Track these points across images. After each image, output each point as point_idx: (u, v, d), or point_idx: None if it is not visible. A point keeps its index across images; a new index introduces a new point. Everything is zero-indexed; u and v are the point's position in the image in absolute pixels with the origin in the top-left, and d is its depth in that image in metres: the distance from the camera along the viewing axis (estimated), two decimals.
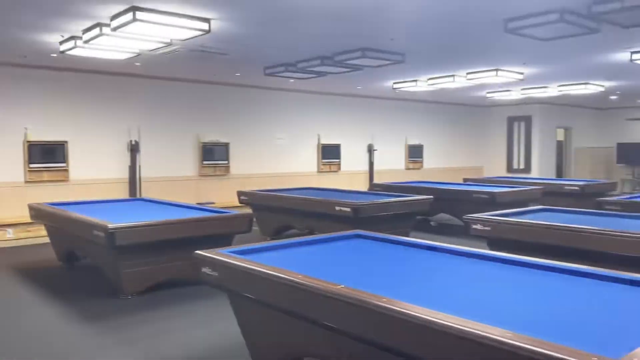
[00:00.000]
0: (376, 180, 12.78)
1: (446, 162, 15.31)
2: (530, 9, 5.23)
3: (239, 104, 11.17)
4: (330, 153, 12.59)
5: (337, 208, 7.07)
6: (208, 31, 5.77)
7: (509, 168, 15.83)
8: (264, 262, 3.19)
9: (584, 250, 4.57)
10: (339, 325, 2.62)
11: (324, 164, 12.47)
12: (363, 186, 12.88)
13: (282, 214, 8.09)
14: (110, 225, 4.92)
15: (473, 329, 2.03)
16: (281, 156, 11.86)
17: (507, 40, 6.51)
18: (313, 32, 6.41)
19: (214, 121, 10.77)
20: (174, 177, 10.20)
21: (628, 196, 8.14)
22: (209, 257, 3.41)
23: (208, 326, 4.48)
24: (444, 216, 9.90)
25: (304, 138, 12.26)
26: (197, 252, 3.55)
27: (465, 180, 12.43)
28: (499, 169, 15.89)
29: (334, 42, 6.97)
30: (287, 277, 2.86)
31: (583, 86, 11.07)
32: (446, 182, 11.60)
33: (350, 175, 13.04)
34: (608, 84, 11.17)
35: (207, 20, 5.63)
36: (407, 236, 7.48)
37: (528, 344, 1.86)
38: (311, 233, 6.98)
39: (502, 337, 1.94)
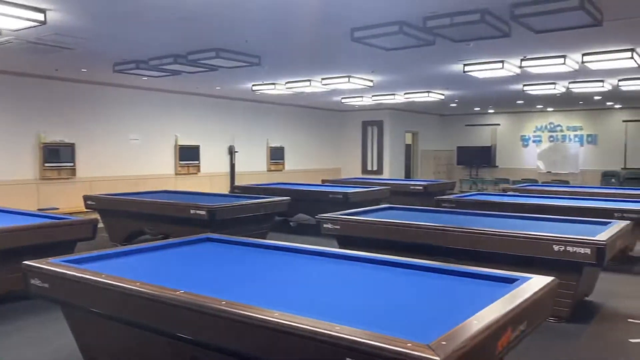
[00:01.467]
0: (238, 183, 12.71)
1: (307, 163, 15.72)
2: (373, 20, 5.57)
3: (87, 101, 10.40)
4: (188, 154, 12.25)
5: (192, 211, 6.90)
6: (44, 22, 5.30)
7: (364, 169, 16.70)
8: (101, 271, 3.01)
9: (421, 244, 4.98)
10: (181, 332, 2.56)
11: (181, 166, 12.10)
12: (224, 189, 12.73)
13: (133, 219, 7.69)
14: None
15: (300, 324, 2.11)
16: (135, 158, 11.27)
17: (355, 49, 6.85)
18: (164, 29, 6.19)
19: (57, 120, 9.90)
20: (9, 181, 9.20)
21: (461, 195, 9.02)
22: (37, 267, 3.13)
23: (42, 343, 4.10)
24: (303, 217, 10.14)
25: (161, 139, 11.79)
26: (25, 262, 3.24)
27: (323, 181, 12.87)
28: (355, 171, 16.70)
29: (187, 40, 6.80)
30: (122, 285, 2.73)
31: (426, 94, 12.06)
32: (305, 184, 11.90)
33: (211, 177, 12.81)
34: (447, 92, 12.29)
35: (42, 10, 5.17)
36: (266, 237, 7.63)
37: (349, 335, 1.97)
38: (165, 238, 6.73)
39: (327, 330, 2.03)
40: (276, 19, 5.64)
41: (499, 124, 18.02)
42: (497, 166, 17.90)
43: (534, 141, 17.34)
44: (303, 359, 2.11)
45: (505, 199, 8.13)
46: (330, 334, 2.02)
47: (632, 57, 7.19)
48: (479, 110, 17.60)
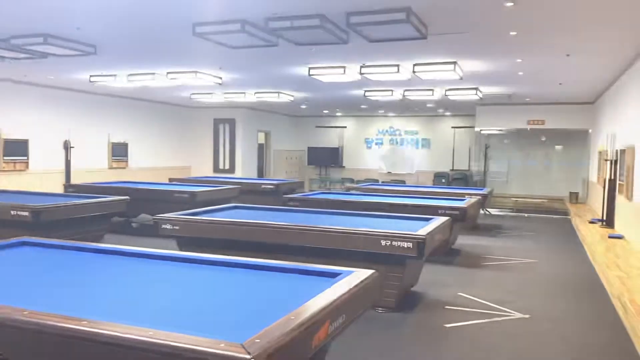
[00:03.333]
0: (76, 181, 11.73)
1: (154, 161, 15.02)
2: (215, 17, 5.49)
3: None
4: (15, 149, 10.98)
5: (14, 212, 6.24)
6: None
7: (216, 168, 16.44)
8: None
9: (262, 243, 5.02)
10: None
11: (6, 162, 10.81)
12: (59, 187, 11.65)
13: None
14: None
15: (111, 331, 2.00)
16: None
17: (201, 44, 6.69)
18: None
19: None
20: None
21: (307, 193, 9.31)
22: None
23: None
24: (146, 217, 9.67)
25: None
26: None
27: (170, 180, 12.41)
28: (206, 169, 16.36)
29: (9, 22, 6.09)
30: None
31: (276, 95, 12.23)
32: (149, 182, 11.38)
33: (42, 175, 11.63)
34: (296, 94, 12.59)
35: None
36: (101, 239, 7.14)
37: (160, 339, 1.91)
38: None
39: (138, 335, 1.95)
40: (111, 6, 5.29)
41: (345, 127, 18.92)
42: (344, 166, 18.78)
43: (376, 143, 18.50)
44: None
45: (347, 198, 8.56)
46: (141, 340, 1.93)
47: (454, 70, 8.00)
48: (328, 113, 18.32)
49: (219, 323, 2.27)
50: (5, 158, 10.80)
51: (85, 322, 2.08)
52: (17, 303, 2.29)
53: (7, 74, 10.12)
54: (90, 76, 10.04)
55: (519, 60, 7.94)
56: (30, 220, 6.07)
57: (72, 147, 12.30)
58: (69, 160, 12.28)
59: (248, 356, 1.80)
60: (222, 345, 1.87)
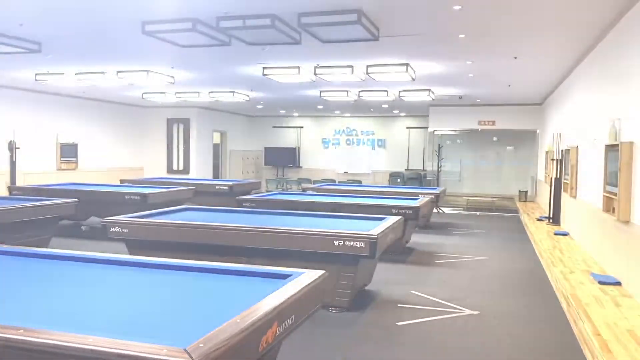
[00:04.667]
0: (21, 183, 11.29)
1: (106, 162, 14.61)
2: (166, 15, 5.39)
3: None
4: None
5: None
6: None
7: (169, 169, 16.15)
8: None
9: (213, 245, 4.96)
10: None
11: None
12: (2, 190, 11.17)
13: None
14: None
15: (49, 339, 1.93)
16: None
17: (151, 43, 6.55)
18: None
19: None
20: None
21: (262, 194, 9.26)
22: None
23: None
24: (96, 220, 9.40)
25: None
26: None
27: (122, 181, 12.10)
28: (159, 170, 16.04)
29: None
30: None
31: (231, 94, 12.11)
32: (99, 184, 11.08)
33: None
34: (252, 94, 12.50)
35: None
36: (48, 243, 6.90)
37: (102, 346, 1.85)
38: None
39: (78, 343, 1.88)
40: (56, 1, 5.11)
41: (302, 127, 18.93)
42: (301, 167, 18.79)
43: (333, 144, 18.60)
44: None
45: (303, 198, 8.55)
46: (81, 347, 1.87)
47: (407, 72, 8.12)
48: (285, 113, 18.28)
49: (162, 328, 2.22)
50: None
51: (21, 330, 1.99)
52: None
53: None
54: (36, 74, 9.67)
55: (469, 62, 8.14)
56: None
57: (18, 147, 11.82)
58: (14, 162, 11.79)
59: None
60: (165, 351, 1.83)
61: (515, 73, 9.06)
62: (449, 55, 7.63)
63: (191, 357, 1.79)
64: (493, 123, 14.38)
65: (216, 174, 17.47)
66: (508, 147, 16.26)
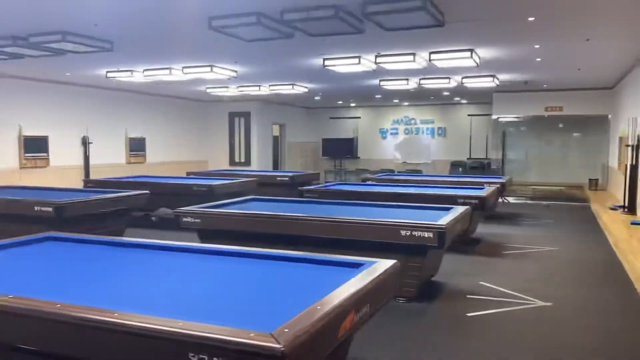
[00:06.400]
0: (94, 176, 11.88)
1: (171, 156, 15.15)
2: (231, 10, 5.50)
3: None
4: (35, 146, 11.16)
5: (37, 208, 6.33)
6: None
7: (232, 161, 16.53)
8: None
9: (282, 235, 5.05)
10: (14, 340, 2.34)
11: (27, 159, 11.00)
12: (78, 183, 11.81)
13: None
14: None
15: (140, 322, 2.03)
16: None
17: (216, 38, 6.71)
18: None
19: None
20: None
21: (323, 185, 9.32)
22: None
23: None
24: (166, 211, 9.77)
25: (1, 128, 10.60)
26: None
27: (188, 173, 12.49)
28: (222, 163, 16.45)
29: (28, 21, 6.17)
30: None
31: (290, 87, 12.23)
32: (168, 177, 11.48)
33: (62, 170, 11.81)
34: (310, 85, 12.57)
35: None
36: (122, 233, 7.23)
37: (191, 330, 1.94)
38: None
39: (169, 326, 1.98)
40: (127, 1, 5.33)
41: (359, 117, 18.87)
42: (358, 157, 18.75)
43: (391, 133, 18.43)
44: (146, 359, 2.03)
45: (364, 188, 8.55)
46: (172, 331, 1.96)
47: (471, 57, 7.92)
48: (342, 104, 18.27)
49: (244, 314, 2.29)
50: (26, 155, 10.97)
51: (116, 314, 2.11)
52: (49, 296, 2.34)
53: (25, 72, 10.26)
54: (107, 72, 10.14)
55: (537, 46, 7.84)
56: (54, 216, 6.16)
57: (91, 142, 12.45)
58: (88, 156, 12.44)
59: (278, 345, 1.81)
60: (252, 335, 1.89)
61: (586, 56, 8.65)
62: (515, 39, 7.37)
63: (277, 342, 1.84)
64: (561, 109, 13.81)
65: (276, 166, 17.73)
66: (575, 134, 15.58)
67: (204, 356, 1.90)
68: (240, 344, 1.86)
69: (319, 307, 2.19)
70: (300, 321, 2.03)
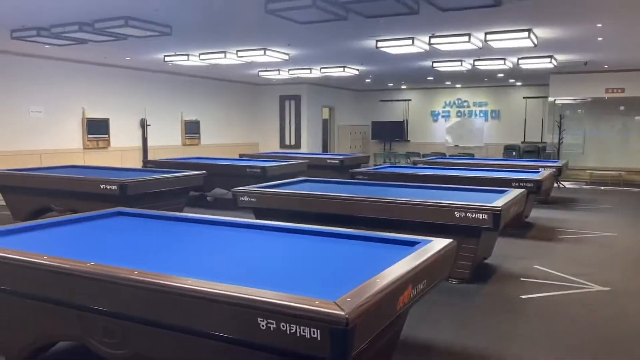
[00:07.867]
0: (151, 157, 12.33)
1: (224, 138, 15.51)
2: None
3: None
4: (97, 128, 11.69)
5: (103, 186, 6.67)
6: None
7: (282, 144, 16.75)
8: (4, 246, 2.89)
9: (335, 214, 5.15)
10: (92, 304, 2.54)
11: (90, 140, 11.54)
12: (137, 163, 12.31)
13: (38, 195, 7.31)
14: None
15: (214, 289, 2.18)
16: (38, 131, 10.61)
17: (270, 21, 6.82)
18: None
19: None
20: None
21: (374, 167, 9.35)
22: None
23: None
24: (220, 191, 10.07)
25: (66, 111, 11.16)
26: None
27: (241, 155, 12.78)
28: (273, 145, 16.70)
29: (92, 7, 6.45)
30: (28, 259, 2.64)
31: (341, 69, 12.24)
32: (222, 158, 11.78)
33: (122, 151, 12.33)
34: (361, 68, 12.54)
35: None
36: (181, 212, 7.53)
37: (260, 297, 2.07)
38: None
39: (240, 293, 2.11)
40: None
41: (410, 100, 18.66)
42: (409, 140, 18.59)
43: (443, 116, 18.15)
44: (218, 323, 2.18)
45: (415, 171, 8.53)
46: (242, 297, 2.09)
47: (529, 37, 7.71)
48: (392, 86, 18.12)
49: (307, 284, 2.40)
50: (89, 136, 11.51)
51: (190, 281, 2.27)
52: (126, 265, 2.53)
53: (88, 57, 10.72)
54: (165, 56, 10.45)
55: (599, 25, 7.54)
56: (118, 194, 6.48)
57: (149, 125, 12.92)
58: (146, 138, 12.91)
59: (342, 313, 1.91)
60: (317, 302, 2.00)
61: None
62: (576, 18, 7.12)
63: (341, 309, 1.94)
64: (622, 90, 13.22)
65: (325, 149, 17.83)
66: (637, 117, 14.87)
67: (272, 321, 2.03)
68: (306, 310, 1.97)
69: (378, 280, 2.28)
70: (362, 291, 2.13)
